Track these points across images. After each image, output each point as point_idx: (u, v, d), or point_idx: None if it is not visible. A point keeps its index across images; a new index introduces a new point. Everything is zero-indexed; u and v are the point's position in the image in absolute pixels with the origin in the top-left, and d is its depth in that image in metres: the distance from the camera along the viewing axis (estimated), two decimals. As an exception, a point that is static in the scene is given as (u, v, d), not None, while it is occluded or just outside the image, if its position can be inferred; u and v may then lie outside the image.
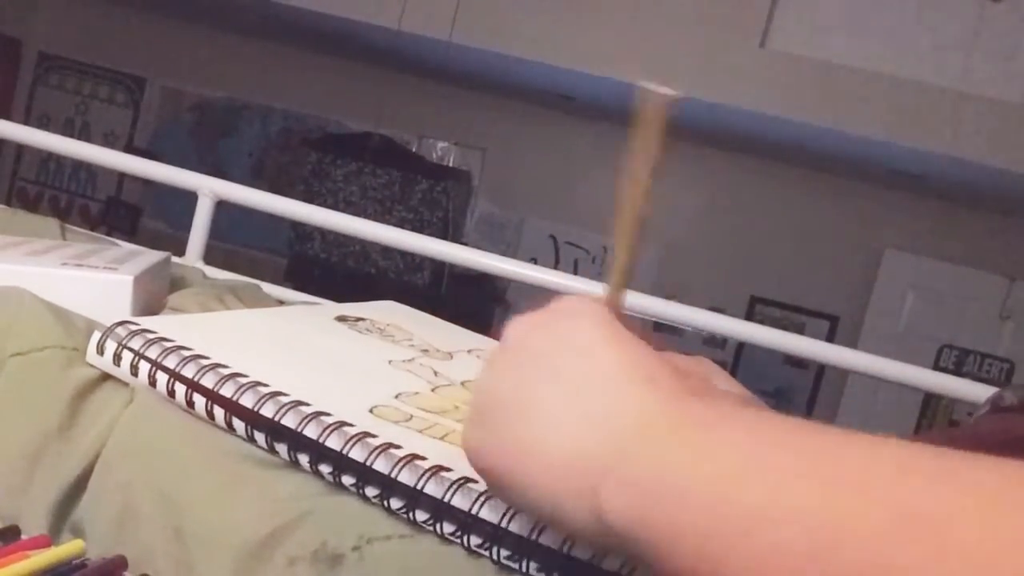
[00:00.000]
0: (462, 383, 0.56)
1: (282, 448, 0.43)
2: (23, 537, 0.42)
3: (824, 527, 0.25)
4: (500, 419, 0.36)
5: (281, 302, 0.92)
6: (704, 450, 0.30)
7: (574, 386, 0.35)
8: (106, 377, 0.48)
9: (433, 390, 0.53)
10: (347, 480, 0.42)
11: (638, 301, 1.03)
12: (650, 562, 0.30)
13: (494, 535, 0.39)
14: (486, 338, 0.72)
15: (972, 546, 0.23)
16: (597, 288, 1.04)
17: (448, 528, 0.40)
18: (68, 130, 4.39)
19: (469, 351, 0.66)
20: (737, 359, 3.90)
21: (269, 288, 0.96)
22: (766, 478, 0.27)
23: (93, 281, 0.60)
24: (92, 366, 0.48)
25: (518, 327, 0.39)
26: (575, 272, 3.97)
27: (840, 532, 0.25)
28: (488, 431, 0.37)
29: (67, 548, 0.41)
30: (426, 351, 0.62)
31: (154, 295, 0.67)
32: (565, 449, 0.34)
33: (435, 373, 0.57)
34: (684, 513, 0.29)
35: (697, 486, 0.29)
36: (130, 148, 4.30)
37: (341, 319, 0.65)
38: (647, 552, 0.30)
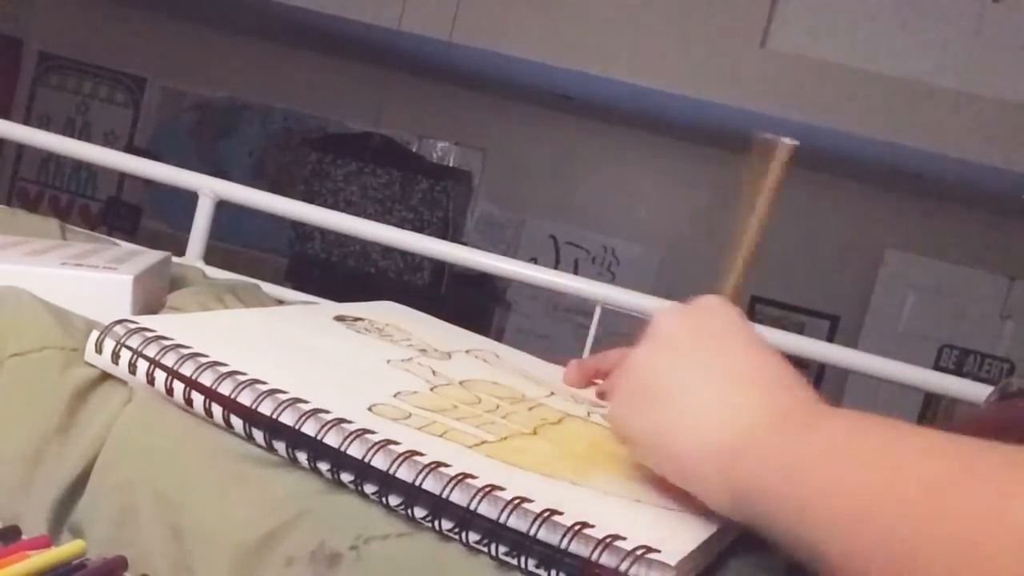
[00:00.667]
0: (460, 382, 0.56)
1: (280, 446, 0.43)
2: (23, 537, 0.42)
3: (919, 513, 0.30)
4: (650, 400, 0.43)
5: (281, 302, 0.92)
6: (816, 432, 0.37)
7: (719, 378, 0.42)
8: (105, 377, 0.48)
9: (432, 389, 0.53)
10: (346, 477, 0.42)
11: (639, 301, 1.03)
12: (774, 536, 0.36)
13: (492, 531, 0.39)
14: (484, 338, 0.72)
15: None
16: (600, 288, 1.04)
17: (446, 524, 0.40)
18: (68, 130, 4.39)
19: (467, 351, 0.66)
20: (737, 359, 3.90)
21: (269, 288, 0.96)
22: (867, 474, 0.33)
23: (93, 281, 0.60)
24: (91, 366, 0.48)
25: (669, 318, 0.46)
26: (575, 272, 3.97)
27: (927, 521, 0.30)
28: (638, 410, 0.43)
29: (67, 548, 0.41)
30: (424, 351, 0.62)
31: (154, 295, 0.67)
32: (708, 432, 0.40)
33: (433, 373, 0.57)
34: (804, 492, 0.35)
35: (816, 472, 0.35)
36: (130, 148, 4.30)
37: (339, 319, 0.65)
38: (771, 526, 0.36)
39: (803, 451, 0.37)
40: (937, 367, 3.60)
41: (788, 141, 0.44)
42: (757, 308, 3.97)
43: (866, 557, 0.32)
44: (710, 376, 0.42)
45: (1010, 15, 2.82)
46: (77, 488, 0.45)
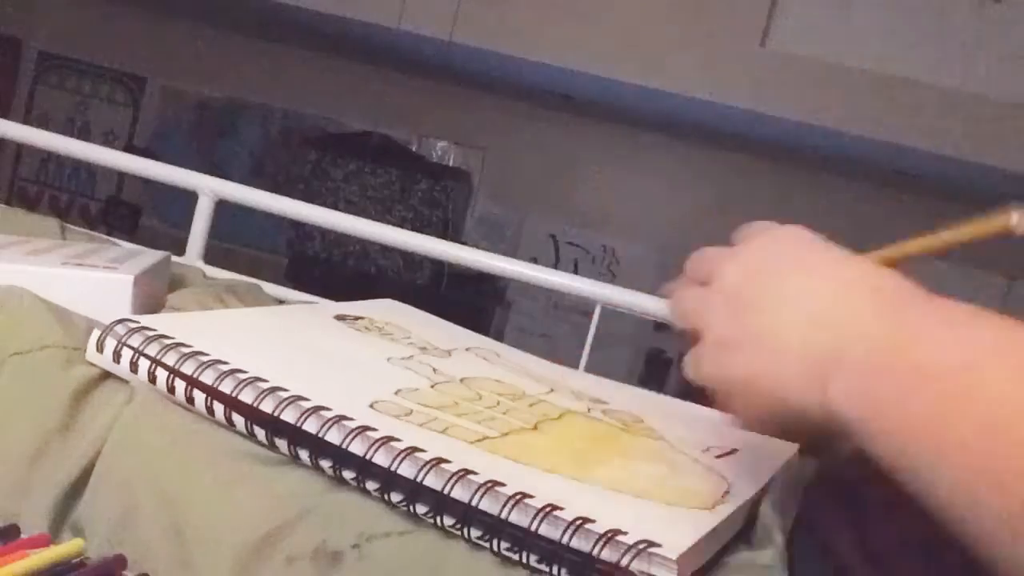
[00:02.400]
0: (461, 379, 0.57)
1: (282, 443, 0.43)
2: (23, 536, 0.42)
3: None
4: (745, 308, 0.42)
5: (281, 301, 0.92)
6: (914, 345, 0.35)
7: (812, 289, 0.41)
8: (106, 376, 0.48)
9: (433, 386, 0.53)
10: (347, 474, 0.42)
11: (639, 300, 1.03)
12: (865, 442, 0.35)
13: (494, 527, 0.39)
14: (484, 338, 0.72)
15: None
16: (600, 288, 1.04)
17: (448, 521, 0.40)
18: (68, 129, 4.39)
19: (467, 349, 0.66)
20: (737, 358, 3.90)
21: (269, 288, 0.96)
22: (959, 369, 0.32)
23: (93, 280, 0.60)
24: (92, 365, 0.48)
25: (763, 235, 0.47)
26: (575, 272, 3.97)
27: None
28: (732, 317, 0.42)
29: (67, 547, 0.41)
30: (424, 349, 0.62)
31: (154, 294, 0.67)
32: (801, 342, 0.39)
33: (434, 370, 0.57)
34: (900, 392, 0.33)
35: (922, 366, 0.34)
36: (130, 147, 4.30)
37: (340, 318, 0.65)
38: (864, 431, 0.35)
39: (913, 355, 0.35)
40: (937, 367, 3.60)
41: (1016, 213, 0.43)
42: (757, 308, 3.98)
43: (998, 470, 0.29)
44: (805, 287, 0.41)
45: (1011, 15, 2.82)
46: (78, 487, 0.45)
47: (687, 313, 0.47)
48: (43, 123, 4.34)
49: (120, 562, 0.42)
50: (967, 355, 0.33)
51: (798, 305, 0.40)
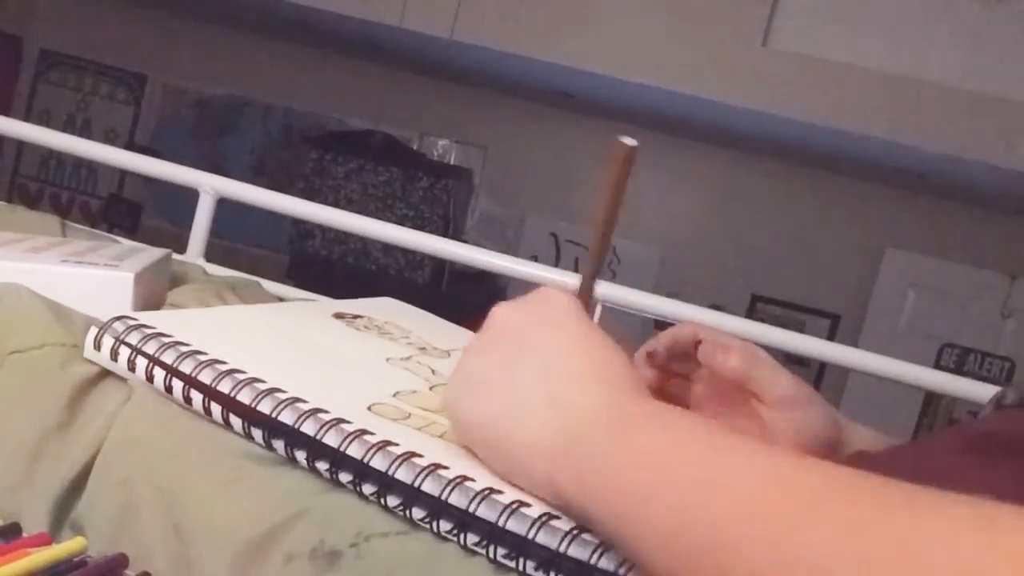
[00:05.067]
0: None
1: (279, 445, 0.43)
2: (24, 535, 0.42)
3: (734, 534, 0.30)
4: (481, 393, 0.43)
5: (281, 299, 0.92)
6: (633, 439, 0.37)
7: (547, 374, 0.42)
8: (105, 374, 0.48)
9: (431, 388, 0.53)
10: (344, 477, 0.41)
11: (638, 299, 1.03)
12: (596, 530, 0.37)
13: (491, 533, 0.39)
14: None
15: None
16: (601, 287, 1.04)
17: (445, 526, 0.40)
18: (69, 127, 4.39)
19: (468, 349, 0.66)
20: (738, 357, 3.89)
21: (269, 285, 0.96)
22: (675, 466, 0.34)
23: (94, 278, 0.60)
24: (91, 363, 0.48)
25: (503, 311, 0.46)
26: (576, 270, 3.97)
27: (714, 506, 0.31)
28: (468, 401, 0.43)
29: (68, 546, 0.41)
30: (423, 349, 0.62)
31: (155, 292, 0.67)
32: (534, 431, 0.40)
33: (432, 371, 0.57)
34: (614, 489, 0.35)
35: (625, 467, 0.35)
36: (131, 145, 4.30)
37: (339, 316, 0.65)
38: (592, 521, 0.37)
39: (621, 457, 0.36)
40: (938, 366, 3.60)
41: (629, 141, 0.44)
42: (758, 306, 3.97)
43: (680, 571, 0.31)
44: (538, 371, 0.42)
45: (1012, 13, 2.81)
46: (77, 485, 0.45)
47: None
48: (44, 121, 4.33)
49: (121, 560, 0.42)
50: (658, 459, 0.35)
51: (524, 405, 0.41)
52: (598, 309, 1.04)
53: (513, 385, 0.42)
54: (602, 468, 0.36)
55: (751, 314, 3.88)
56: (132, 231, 4.17)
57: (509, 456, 0.41)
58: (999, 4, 2.81)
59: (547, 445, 0.39)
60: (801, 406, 0.60)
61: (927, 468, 0.42)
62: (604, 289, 1.03)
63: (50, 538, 0.42)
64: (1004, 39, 2.81)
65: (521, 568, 0.39)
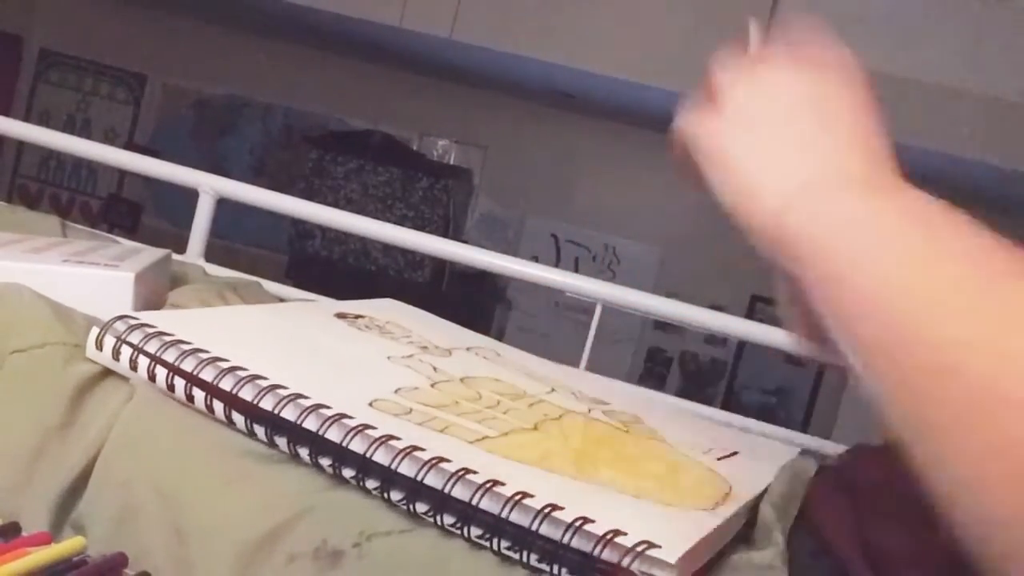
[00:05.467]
0: (461, 379, 0.56)
1: (282, 441, 0.43)
2: (24, 534, 0.42)
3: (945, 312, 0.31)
4: (745, 130, 0.44)
5: (281, 299, 0.92)
6: (868, 206, 0.37)
7: (805, 129, 0.43)
8: (106, 374, 0.48)
9: (432, 385, 0.53)
10: (347, 473, 0.42)
11: (638, 299, 1.03)
12: (801, 277, 0.37)
13: (495, 526, 0.39)
14: (485, 337, 0.72)
15: None
16: (601, 287, 1.04)
17: (448, 520, 0.40)
18: (69, 127, 4.38)
19: (468, 348, 0.66)
20: (738, 357, 3.90)
21: (269, 286, 0.96)
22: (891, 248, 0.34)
23: (94, 278, 0.60)
24: (92, 363, 0.48)
25: (784, 66, 0.48)
26: (576, 270, 3.97)
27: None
28: (730, 135, 0.44)
29: (68, 545, 0.41)
30: (425, 348, 0.62)
31: (155, 292, 0.67)
32: (776, 176, 0.41)
33: (434, 369, 0.57)
34: (840, 239, 0.36)
35: (855, 227, 0.36)
36: (131, 145, 4.29)
37: (340, 316, 0.65)
38: (801, 266, 0.37)
39: (845, 220, 0.37)
40: (937, 366, 3.58)
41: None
42: (757, 307, 3.97)
43: (885, 350, 0.31)
44: (797, 126, 0.43)
45: (1012, 15, 2.81)
46: (79, 485, 0.45)
47: (722, 77, 0.49)
48: (44, 120, 4.33)
49: (121, 560, 0.42)
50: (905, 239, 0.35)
51: (776, 152, 0.42)
52: (598, 308, 1.04)
53: (785, 128, 0.43)
54: (823, 226, 0.37)
55: (751, 314, 3.88)
56: (132, 231, 4.17)
57: (744, 195, 0.42)
58: (999, 4, 2.81)
59: (780, 193, 0.40)
60: None
61: None
62: (604, 290, 1.03)
63: (50, 537, 0.42)
64: (1004, 39, 2.81)
65: (525, 560, 0.39)
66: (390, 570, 0.40)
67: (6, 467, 0.45)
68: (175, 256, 0.85)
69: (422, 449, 0.41)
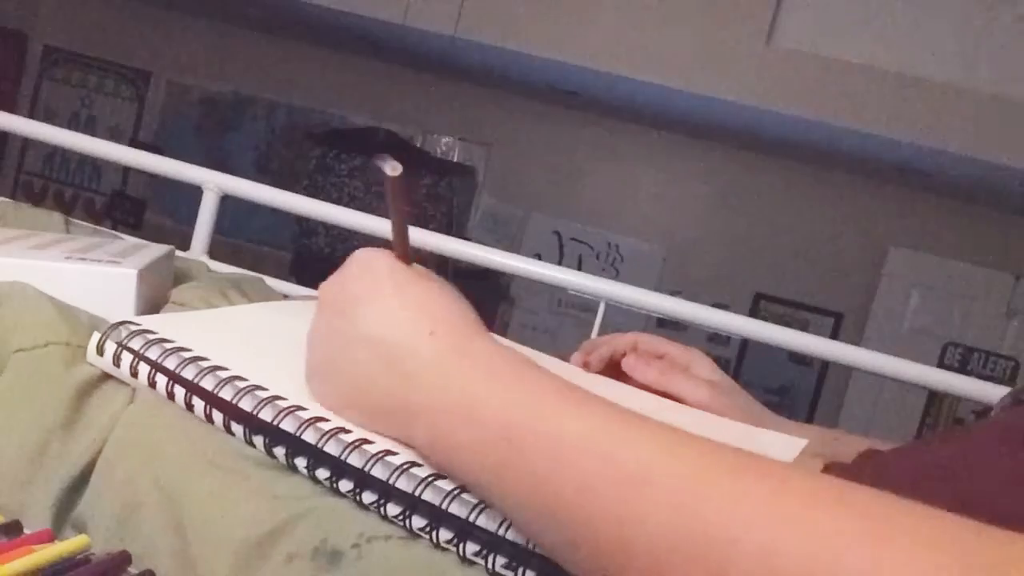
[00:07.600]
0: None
1: (280, 452, 0.43)
2: (26, 532, 0.42)
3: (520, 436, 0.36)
4: (326, 380, 0.45)
5: (285, 296, 0.92)
6: (466, 380, 0.39)
7: (372, 346, 0.42)
8: (109, 374, 0.48)
9: None
10: (344, 486, 0.42)
11: (641, 297, 1.03)
12: (460, 482, 0.39)
13: (491, 543, 0.39)
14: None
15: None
16: (604, 285, 1.04)
17: (445, 536, 0.40)
18: (73, 124, 4.39)
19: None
20: (741, 356, 3.89)
21: (273, 282, 0.96)
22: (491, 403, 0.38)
23: (97, 274, 0.60)
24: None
25: (324, 290, 0.47)
26: (579, 268, 3.97)
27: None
28: (322, 384, 0.45)
29: (72, 543, 0.41)
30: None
31: (158, 289, 0.67)
32: (377, 398, 0.42)
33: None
34: (465, 456, 0.38)
35: (471, 438, 0.38)
36: (135, 142, 4.30)
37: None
38: (451, 474, 0.40)
39: (464, 426, 0.39)
40: (941, 365, 3.59)
41: (390, 170, 0.46)
42: (761, 305, 3.97)
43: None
44: (366, 343, 0.43)
45: (1016, 11, 2.81)
46: (80, 484, 0.45)
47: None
48: (48, 117, 4.34)
49: (124, 558, 0.42)
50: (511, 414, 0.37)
51: (374, 345, 0.43)
52: (602, 306, 1.04)
53: (351, 364, 0.43)
54: (445, 413, 0.39)
55: (754, 313, 3.88)
56: (136, 228, 4.18)
57: (367, 426, 0.43)
58: (1003, 1, 2.80)
59: (395, 410, 0.41)
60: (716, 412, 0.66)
61: (977, 463, 0.42)
62: (607, 288, 1.03)
63: (53, 535, 0.42)
64: (1008, 37, 2.80)
65: None
66: (388, 572, 0.40)
67: (8, 465, 0.45)
68: (179, 253, 0.85)
69: (419, 465, 0.41)
